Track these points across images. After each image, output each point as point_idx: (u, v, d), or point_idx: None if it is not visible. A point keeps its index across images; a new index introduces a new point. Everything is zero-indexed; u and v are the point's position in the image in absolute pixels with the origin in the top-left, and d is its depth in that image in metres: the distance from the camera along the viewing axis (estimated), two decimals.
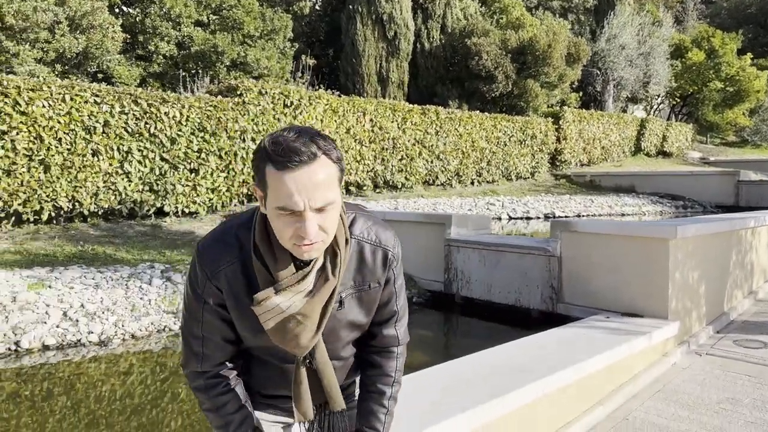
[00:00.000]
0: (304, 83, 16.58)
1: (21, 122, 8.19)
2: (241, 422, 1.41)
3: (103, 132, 9.03)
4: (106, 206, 9.16)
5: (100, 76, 15.34)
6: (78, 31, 13.79)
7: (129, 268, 6.81)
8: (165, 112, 9.72)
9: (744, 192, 17.43)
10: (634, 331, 3.96)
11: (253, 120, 11.15)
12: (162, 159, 9.74)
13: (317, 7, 24.92)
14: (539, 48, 20.24)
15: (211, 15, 17.87)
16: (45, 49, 13.25)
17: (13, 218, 8.35)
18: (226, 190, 10.76)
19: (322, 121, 12.70)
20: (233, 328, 1.39)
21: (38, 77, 11.41)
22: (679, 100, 32.91)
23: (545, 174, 19.97)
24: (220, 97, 10.94)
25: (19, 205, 8.23)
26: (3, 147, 8.04)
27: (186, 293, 1.41)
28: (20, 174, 8.19)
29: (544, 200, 16.37)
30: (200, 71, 16.31)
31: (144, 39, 16.68)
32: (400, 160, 14.79)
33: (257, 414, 1.50)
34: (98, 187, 8.99)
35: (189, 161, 10.10)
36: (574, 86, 25.01)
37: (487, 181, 17.60)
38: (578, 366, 3.14)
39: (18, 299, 5.48)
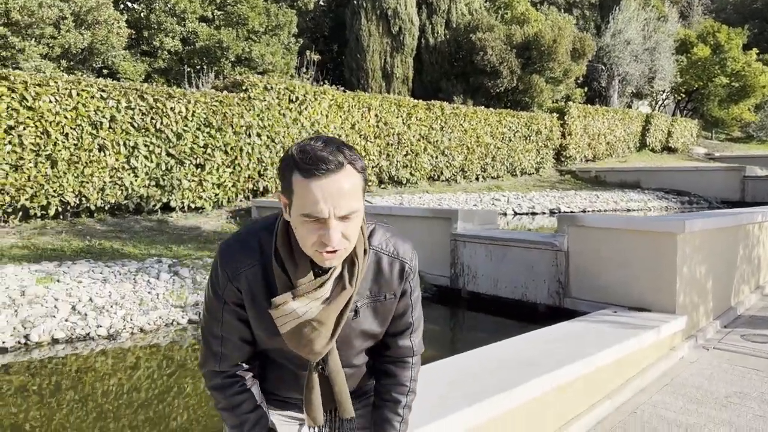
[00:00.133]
0: (308, 79, 16.58)
1: (28, 117, 8.23)
2: (255, 422, 1.43)
3: (110, 127, 9.06)
4: (113, 201, 9.20)
5: (105, 71, 15.38)
6: (83, 27, 13.82)
7: (136, 263, 6.84)
8: (171, 108, 9.75)
9: (750, 187, 17.34)
10: (642, 325, 3.96)
11: (258, 115, 11.16)
12: (168, 154, 9.77)
13: (322, 3, 24.87)
14: (544, 43, 20.15)
15: (215, 10, 17.87)
16: (50, 45, 13.29)
17: (21, 213, 8.40)
18: (232, 186, 10.78)
19: (327, 116, 12.70)
20: (251, 329, 1.41)
21: (44, 73, 11.44)
22: (684, 96, 32.73)
23: (550, 170, 19.94)
24: (225, 92, 10.96)
25: (26, 200, 8.27)
26: (10, 142, 8.08)
27: (207, 294, 1.43)
28: (27, 169, 8.23)
29: (549, 196, 16.34)
30: (205, 67, 16.34)
31: (149, 35, 16.70)
32: (405, 155, 14.79)
33: (271, 410, 1.51)
34: (105, 182, 9.03)
35: (195, 156, 10.13)
36: (579, 82, 24.92)
37: (492, 177, 17.57)
38: (587, 360, 3.14)
39: (27, 293, 5.51)
